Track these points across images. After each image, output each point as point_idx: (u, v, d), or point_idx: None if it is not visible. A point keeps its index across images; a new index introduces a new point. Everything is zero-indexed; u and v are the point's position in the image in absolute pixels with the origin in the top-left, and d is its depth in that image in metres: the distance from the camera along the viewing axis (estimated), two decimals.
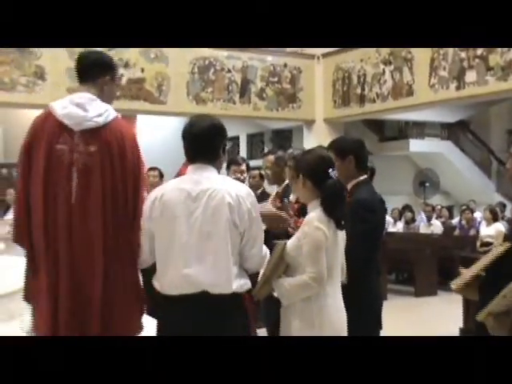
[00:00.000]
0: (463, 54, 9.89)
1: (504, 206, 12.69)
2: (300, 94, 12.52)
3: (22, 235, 2.78)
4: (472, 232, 11.46)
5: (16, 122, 14.09)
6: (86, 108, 2.78)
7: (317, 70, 12.60)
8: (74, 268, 2.71)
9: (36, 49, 10.09)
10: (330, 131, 12.20)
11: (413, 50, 10.79)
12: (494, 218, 10.87)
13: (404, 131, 15.29)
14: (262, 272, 2.87)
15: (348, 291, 2.96)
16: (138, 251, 2.80)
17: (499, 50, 9.33)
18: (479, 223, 11.64)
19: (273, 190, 4.80)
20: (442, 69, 10.28)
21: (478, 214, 12.25)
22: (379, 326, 3.42)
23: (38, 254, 2.74)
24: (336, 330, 2.82)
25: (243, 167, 5.31)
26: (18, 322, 3.53)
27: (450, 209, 13.87)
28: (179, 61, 11.34)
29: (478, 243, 10.26)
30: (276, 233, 3.71)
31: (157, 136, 15.19)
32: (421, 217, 12.55)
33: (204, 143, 2.78)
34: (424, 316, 8.69)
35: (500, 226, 10.73)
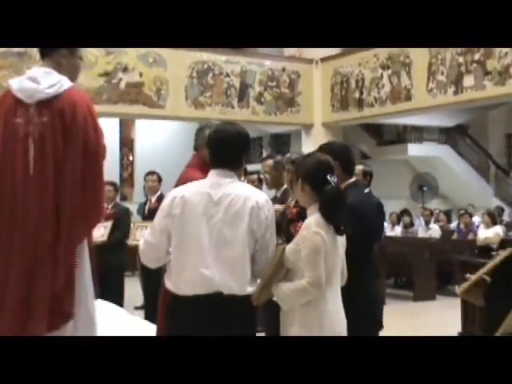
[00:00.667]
0: (461, 59, 9.91)
1: (502, 210, 12.70)
2: (298, 98, 12.53)
3: None
4: (470, 236, 11.46)
5: None
6: (38, 81, 2.84)
7: (315, 74, 12.62)
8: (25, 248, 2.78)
9: (34, 53, 10.07)
10: (329, 135, 12.20)
11: (411, 54, 10.81)
12: (493, 221, 10.87)
13: (402, 135, 15.31)
14: (261, 276, 2.86)
15: (345, 294, 2.96)
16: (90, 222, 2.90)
17: (497, 54, 9.35)
18: (477, 227, 11.65)
19: (271, 194, 4.80)
20: (440, 73, 10.29)
21: (476, 219, 12.26)
22: (379, 327, 3.42)
23: None
24: (336, 333, 2.82)
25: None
26: None
27: (448, 213, 13.86)
28: (178, 65, 11.35)
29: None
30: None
31: (155, 140, 15.19)
32: (419, 221, 12.55)
33: (228, 150, 2.85)
34: (423, 320, 8.68)
35: (498, 230, 10.75)
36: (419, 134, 15.26)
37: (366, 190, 5.11)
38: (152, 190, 7.34)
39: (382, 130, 15.59)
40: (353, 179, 3.48)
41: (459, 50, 9.96)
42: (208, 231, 2.73)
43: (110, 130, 15.10)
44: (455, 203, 15.11)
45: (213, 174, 2.86)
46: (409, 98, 10.92)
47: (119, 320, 5.10)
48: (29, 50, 10.05)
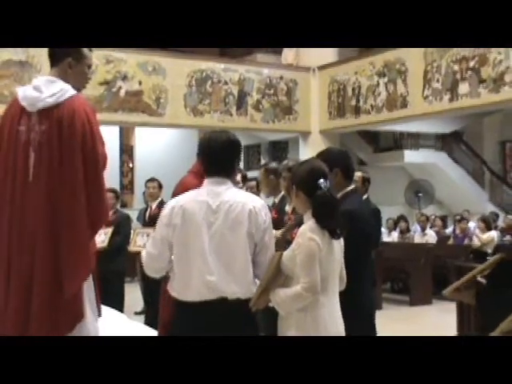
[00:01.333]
0: (456, 67, 9.95)
1: (497, 215, 12.72)
2: (296, 106, 12.56)
3: None
4: (466, 241, 11.48)
5: None
6: (41, 89, 2.87)
7: (312, 82, 12.65)
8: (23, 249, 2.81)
9: (35, 62, 10.12)
10: (326, 142, 12.20)
11: (406, 62, 10.85)
12: (488, 227, 10.92)
13: (398, 142, 15.33)
14: (259, 282, 2.88)
15: (342, 298, 2.97)
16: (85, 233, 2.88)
17: (491, 62, 9.39)
18: (472, 232, 11.68)
19: (270, 201, 4.82)
20: (436, 81, 10.32)
21: (471, 224, 12.28)
22: (374, 331, 3.43)
23: None
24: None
25: (239, 178, 5.34)
26: None
27: (443, 218, 13.89)
28: (176, 73, 11.38)
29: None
30: None
31: (155, 147, 15.21)
32: (415, 227, 12.57)
33: (221, 158, 2.88)
34: (419, 325, 8.67)
35: (493, 235, 10.78)
36: (415, 140, 15.28)
37: (364, 196, 5.14)
38: (152, 196, 7.36)
39: (379, 136, 15.62)
40: (352, 186, 3.48)
41: (454, 57, 10.00)
42: (209, 238, 2.77)
43: (110, 137, 15.12)
44: (451, 209, 15.13)
45: (209, 183, 2.89)
46: (405, 105, 10.95)
47: (119, 325, 5.11)
48: (30, 59, 10.10)
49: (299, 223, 3.05)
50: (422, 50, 10.53)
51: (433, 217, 13.46)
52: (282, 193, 4.58)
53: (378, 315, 3.59)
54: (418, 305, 9.98)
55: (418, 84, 10.61)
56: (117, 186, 12.43)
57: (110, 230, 7.28)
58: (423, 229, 12.15)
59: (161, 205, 7.07)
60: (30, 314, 2.79)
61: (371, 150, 15.27)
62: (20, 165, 2.83)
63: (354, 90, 11.95)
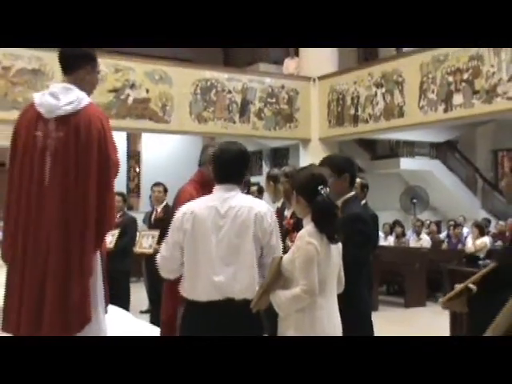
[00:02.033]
0: (451, 78, 9.96)
1: (489, 221, 12.71)
2: (296, 114, 12.56)
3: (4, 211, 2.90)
4: (459, 246, 11.48)
5: None
6: (58, 97, 2.88)
7: (312, 91, 12.65)
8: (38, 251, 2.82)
9: (48, 70, 10.14)
10: (325, 150, 12.21)
11: (403, 73, 10.86)
12: (481, 232, 10.90)
13: (395, 150, 15.34)
14: (260, 284, 2.89)
15: (341, 300, 2.97)
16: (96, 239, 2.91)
17: (484, 74, 9.39)
18: (465, 238, 11.67)
19: (274, 206, 4.82)
20: (431, 92, 10.33)
21: (464, 230, 12.28)
22: (371, 331, 3.43)
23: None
24: None
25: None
26: None
27: (437, 224, 13.88)
28: (182, 82, 11.39)
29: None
30: None
31: (161, 153, 15.22)
32: (411, 231, 12.56)
33: (232, 167, 2.99)
34: (413, 326, 8.66)
35: (486, 240, 10.77)
36: (411, 148, 15.29)
37: (363, 202, 5.14)
38: (158, 200, 7.37)
39: (376, 144, 15.63)
40: (353, 192, 3.47)
41: (449, 69, 10.01)
42: (217, 241, 2.85)
43: (117, 143, 15.08)
44: (445, 214, 15.12)
45: (218, 189, 2.97)
46: (401, 114, 10.95)
47: (125, 324, 5.11)
48: (43, 67, 10.12)
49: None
50: (419, 61, 10.54)
51: (427, 222, 13.46)
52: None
53: (374, 316, 3.59)
54: (413, 307, 9.97)
55: (414, 94, 10.62)
56: (124, 190, 12.43)
57: (116, 232, 7.28)
58: (418, 234, 12.15)
59: (166, 208, 7.08)
60: (43, 315, 2.80)
61: (368, 158, 15.28)
62: (36, 170, 2.84)
63: (352, 99, 11.96)
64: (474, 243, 10.78)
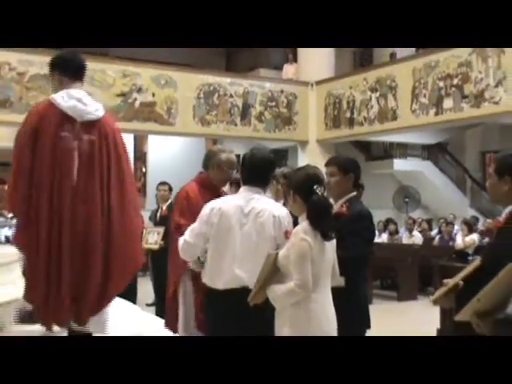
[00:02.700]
0: (441, 83, 9.97)
1: (477, 219, 12.71)
2: (295, 117, 12.57)
3: (20, 205, 2.90)
4: (449, 243, 11.48)
5: None
6: (84, 102, 2.98)
7: (310, 95, 12.66)
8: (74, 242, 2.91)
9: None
10: (322, 151, 12.24)
11: (396, 78, 10.87)
12: (469, 229, 10.92)
13: (388, 152, 15.33)
14: (257, 279, 2.90)
15: (342, 294, 2.97)
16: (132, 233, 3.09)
17: (473, 80, 9.40)
18: (455, 235, 11.67)
19: None
20: (423, 96, 10.34)
21: (454, 227, 12.27)
22: (369, 324, 3.43)
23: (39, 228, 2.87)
24: (324, 331, 2.82)
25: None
26: None
27: (429, 222, 13.87)
28: (186, 86, 11.40)
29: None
30: None
31: (166, 154, 15.22)
32: (403, 229, 12.56)
33: (260, 172, 3.15)
34: (406, 318, 8.67)
35: (474, 237, 10.78)
36: (404, 150, 15.28)
37: None
38: (163, 198, 7.37)
39: (371, 146, 15.61)
40: (355, 193, 3.45)
41: (440, 75, 10.01)
42: (240, 238, 3.01)
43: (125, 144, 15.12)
44: (435, 213, 15.12)
45: (245, 190, 3.13)
46: (395, 117, 10.96)
47: (133, 316, 5.12)
48: None
49: None
50: (411, 67, 10.55)
51: (419, 220, 13.45)
52: None
53: (369, 309, 3.59)
54: (405, 300, 9.97)
55: (407, 99, 10.63)
56: None
57: None
58: (410, 231, 12.15)
59: (170, 206, 7.07)
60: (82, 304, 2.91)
61: (363, 159, 15.26)
62: (66, 168, 2.89)
63: (348, 103, 11.96)
64: (463, 240, 10.80)
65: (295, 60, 13.55)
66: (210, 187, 3.72)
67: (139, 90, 10.95)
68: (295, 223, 3.13)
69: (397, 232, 12.40)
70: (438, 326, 7.12)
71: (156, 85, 11.13)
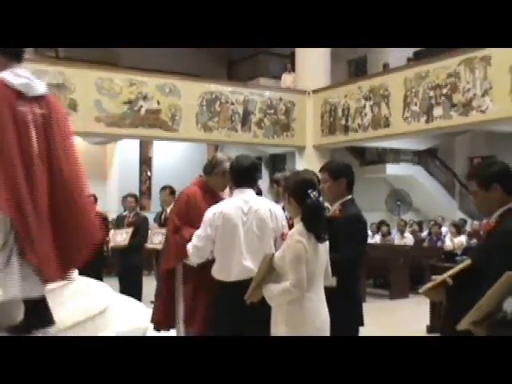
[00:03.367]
0: (431, 93, 9.99)
1: (465, 221, 12.71)
2: (293, 124, 12.59)
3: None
4: (439, 244, 11.48)
5: None
6: (31, 79, 3.00)
7: (307, 103, 12.68)
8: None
9: (70, 84, 10.18)
10: (319, 156, 12.26)
11: (389, 87, 10.89)
12: (458, 231, 10.93)
13: (381, 157, 15.33)
14: (254, 278, 2.92)
15: (338, 291, 2.98)
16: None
17: (461, 90, 9.43)
18: (444, 236, 11.68)
19: None
20: (414, 104, 10.37)
21: (443, 229, 12.28)
22: (362, 320, 3.44)
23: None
24: (317, 328, 2.82)
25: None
26: None
27: (419, 224, 13.87)
28: (190, 95, 11.42)
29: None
30: None
31: (170, 158, 15.23)
32: (395, 230, 12.57)
33: (247, 175, 3.37)
34: (397, 315, 8.69)
35: (462, 239, 10.79)
36: (396, 155, 15.28)
37: None
38: (165, 202, 7.32)
39: (365, 152, 15.61)
40: (350, 196, 3.45)
41: (430, 84, 10.04)
42: (244, 234, 3.21)
43: (131, 149, 15.16)
44: (426, 215, 15.12)
45: (239, 192, 3.34)
46: (387, 124, 10.98)
47: (137, 312, 5.12)
48: (66, 82, 10.16)
49: None
50: (403, 77, 10.58)
51: (410, 222, 13.46)
52: None
53: (362, 307, 3.60)
54: (397, 298, 9.97)
55: (399, 107, 10.65)
56: (136, 192, 12.45)
57: (130, 230, 7.30)
58: (402, 232, 12.15)
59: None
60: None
61: (357, 164, 15.27)
62: (26, 140, 2.91)
63: (343, 111, 11.98)
64: (452, 241, 10.81)
65: (293, 69, 13.56)
66: (210, 191, 3.78)
67: (145, 98, 10.96)
68: None
69: (389, 233, 12.40)
70: (428, 323, 7.14)
71: (161, 93, 11.15)
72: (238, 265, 3.20)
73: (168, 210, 7.19)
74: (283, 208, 4.64)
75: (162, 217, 7.37)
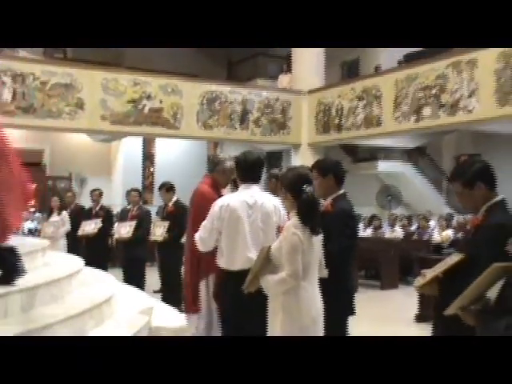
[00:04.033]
0: (421, 94, 9.99)
1: (452, 216, 12.74)
2: (289, 122, 12.58)
3: None
4: (427, 237, 11.51)
5: (61, 142, 14.13)
6: None
7: (303, 103, 12.67)
8: None
9: (78, 84, 10.16)
10: (313, 153, 12.25)
11: (381, 88, 10.88)
12: (447, 225, 10.98)
13: (373, 154, 15.33)
14: (251, 269, 2.93)
15: (331, 282, 2.99)
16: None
17: (449, 91, 9.43)
18: (432, 230, 11.70)
19: None
20: (404, 105, 10.37)
21: (431, 223, 12.30)
22: (353, 310, 3.45)
23: None
24: (312, 317, 2.84)
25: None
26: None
27: (409, 218, 13.89)
28: (191, 94, 11.40)
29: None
30: None
31: (172, 155, 15.22)
32: (386, 224, 12.59)
33: (253, 170, 3.38)
34: (388, 305, 8.72)
35: (449, 233, 10.82)
36: (387, 153, 15.28)
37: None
38: (165, 199, 7.24)
39: (357, 149, 15.60)
40: (342, 191, 3.45)
41: (419, 86, 10.04)
42: (249, 226, 3.23)
43: (135, 146, 15.15)
44: (415, 210, 15.14)
45: (244, 187, 3.35)
46: (379, 124, 10.98)
47: (141, 300, 5.13)
48: (73, 82, 10.15)
49: None
50: (394, 79, 10.58)
51: (400, 216, 13.47)
52: None
53: (354, 297, 3.61)
54: (387, 289, 10.01)
55: (390, 107, 10.65)
56: (140, 187, 12.44)
57: (134, 223, 7.30)
58: (392, 226, 12.18)
59: (176, 203, 7.07)
60: None
61: (350, 161, 15.28)
62: None
63: (337, 110, 11.98)
64: (439, 234, 10.83)
65: (289, 71, 13.55)
66: (217, 188, 3.87)
67: (148, 97, 10.94)
68: None
69: (380, 227, 12.43)
70: (417, 311, 7.17)
71: (163, 92, 11.13)
72: (242, 256, 3.22)
73: (170, 204, 7.19)
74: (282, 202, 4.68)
75: (165, 211, 7.36)
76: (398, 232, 11.97)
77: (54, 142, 14.01)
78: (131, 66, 13.76)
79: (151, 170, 15.71)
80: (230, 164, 3.88)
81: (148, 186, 15.47)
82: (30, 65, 9.97)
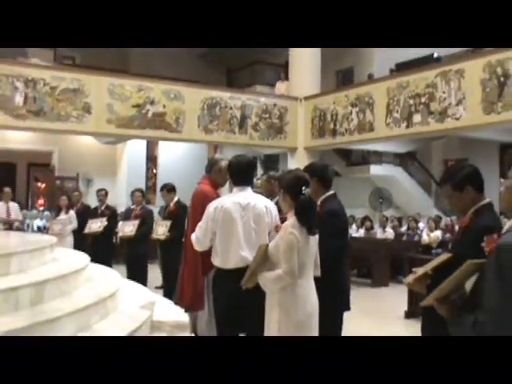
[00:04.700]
0: (411, 101, 10.01)
1: (440, 218, 12.76)
2: (286, 127, 12.58)
3: None
4: (416, 238, 11.53)
5: (69, 144, 14.11)
6: None
7: (299, 109, 12.68)
8: None
9: (86, 89, 10.16)
10: (309, 157, 12.24)
11: (373, 96, 10.90)
12: (436, 226, 11.00)
13: (366, 158, 15.34)
14: (249, 266, 2.94)
15: (324, 280, 3.00)
16: None
17: (438, 99, 9.46)
18: (421, 231, 11.72)
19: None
20: (396, 111, 10.38)
21: (420, 224, 12.32)
22: (348, 306, 3.47)
23: None
24: (308, 312, 2.85)
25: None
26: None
27: (399, 219, 13.91)
28: (193, 99, 11.40)
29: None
30: None
31: (174, 157, 15.23)
32: (378, 225, 12.61)
33: (245, 173, 3.38)
34: (378, 302, 8.73)
35: (438, 234, 10.84)
36: (379, 157, 15.29)
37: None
38: (166, 199, 7.23)
39: (351, 153, 15.60)
40: (331, 192, 3.47)
41: (410, 94, 10.06)
42: (242, 227, 3.24)
43: (139, 148, 15.15)
44: (405, 212, 15.16)
45: (237, 190, 3.35)
46: (372, 129, 10.99)
47: (143, 296, 5.14)
48: (81, 87, 10.15)
49: None
50: (386, 86, 10.60)
51: (391, 218, 13.49)
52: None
53: (349, 294, 3.63)
54: (378, 287, 10.03)
55: (382, 113, 10.67)
56: (143, 187, 12.45)
57: (137, 222, 7.31)
58: (384, 227, 12.20)
59: (178, 203, 7.08)
60: None
61: (344, 164, 15.29)
62: None
63: (332, 116, 11.99)
64: (428, 235, 10.85)
65: (287, 78, 13.56)
66: (216, 188, 3.91)
67: (152, 103, 10.95)
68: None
69: (372, 228, 12.45)
70: (406, 308, 7.18)
71: (166, 98, 11.13)
72: (235, 254, 3.22)
73: (171, 204, 7.19)
74: (276, 203, 4.68)
75: (166, 210, 7.37)
76: (389, 233, 11.99)
77: (62, 144, 14.00)
78: (136, 72, 13.77)
79: (154, 171, 15.71)
80: (225, 163, 3.87)
81: (151, 186, 15.47)
82: (40, 71, 10.00)
